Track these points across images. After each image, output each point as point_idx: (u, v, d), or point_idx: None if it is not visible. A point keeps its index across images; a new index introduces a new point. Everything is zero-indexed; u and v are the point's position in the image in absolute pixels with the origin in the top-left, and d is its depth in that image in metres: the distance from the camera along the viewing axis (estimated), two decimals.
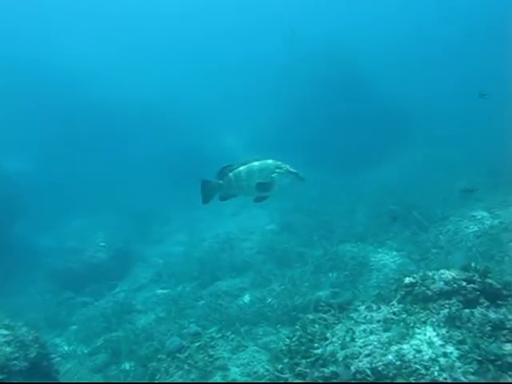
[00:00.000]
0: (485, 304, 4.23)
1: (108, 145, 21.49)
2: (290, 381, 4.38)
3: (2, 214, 13.57)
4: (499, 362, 3.71)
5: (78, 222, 16.81)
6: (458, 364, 3.73)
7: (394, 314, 4.45)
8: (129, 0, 38.16)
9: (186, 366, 6.06)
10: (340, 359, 4.25)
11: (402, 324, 4.25)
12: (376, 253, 9.75)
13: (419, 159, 16.51)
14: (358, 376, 3.88)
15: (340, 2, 33.17)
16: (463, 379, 3.58)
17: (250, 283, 9.72)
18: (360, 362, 4.04)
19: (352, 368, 4.01)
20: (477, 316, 4.08)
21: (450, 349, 3.85)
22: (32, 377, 5.02)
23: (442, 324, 4.12)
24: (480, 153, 14.48)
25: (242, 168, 5.19)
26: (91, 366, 7.80)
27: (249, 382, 5.64)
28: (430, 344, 3.94)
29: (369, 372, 3.86)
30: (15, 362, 4.92)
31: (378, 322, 4.43)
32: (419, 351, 3.89)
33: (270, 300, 8.23)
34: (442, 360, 3.76)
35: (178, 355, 6.32)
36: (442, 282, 4.45)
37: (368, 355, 4.06)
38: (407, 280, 4.69)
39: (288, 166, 5.18)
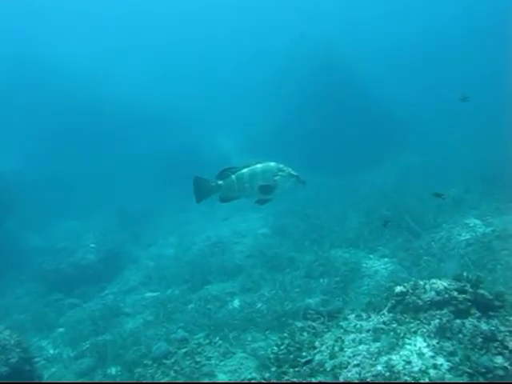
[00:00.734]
0: (476, 315, 4.16)
1: (101, 146, 21.34)
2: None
3: None
4: (490, 375, 3.64)
5: (70, 223, 16.69)
6: (448, 376, 3.65)
7: (384, 323, 4.38)
8: (126, 1, 38.10)
9: (172, 373, 5.95)
10: (328, 369, 4.17)
11: (391, 334, 4.17)
12: (368, 259, 9.67)
13: (414, 164, 16.44)
14: None
15: (337, 5, 33.20)
16: None
17: (240, 288, 9.60)
18: (349, 372, 3.96)
19: (340, 378, 3.94)
20: (468, 327, 4.01)
21: (440, 360, 3.77)
22: None
23: (432, 335, 4.05)
24: (475, 159, 14.44)
25: (244, 170, 5.17)
26: (76, 370, 7.63)
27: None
28: (420, 355, 3.86)
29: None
30: None
31: (368, 331, 4.35)
32: (409, 362, 3.81)
33: (259, 305, 8.13)
34: (432, 372, 3.69)
35: (165, 361, 6.20)
36: (433, 292, 4.38)
37: (357, 365, 3.98)
38: (398, 289, 4.62)
39: (290, 169, 5.19)
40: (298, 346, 4.74)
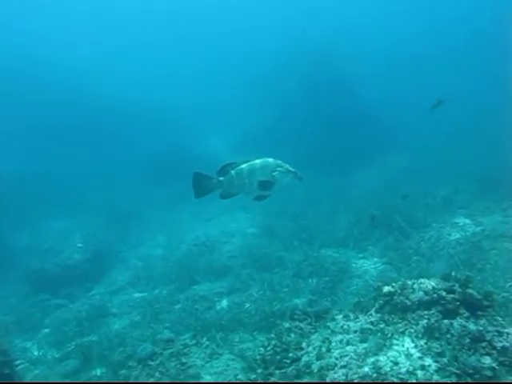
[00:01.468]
0: (465, 315, 4.10)
1: (92, 146, 21.18)
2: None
3: None
4: (477, 376, 3.58)
5: (59, 223, 16.46)
6: (436, 377, 3.59)
7: (371, 323, 4.31)
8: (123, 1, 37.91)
9: (157, 374, 5.83)
10: (315, 370, 4.09)
11: (379, 334, 4.10)
12: (357, 258, 9.62)
13: (406, 165, 16.42)
14: None
15: (330, 6, 33.12)
16: None
17: (228, 288, 9.50)
18: (335, 373, 3.88)
19: (327, 380, 3.86)
20: (456, 327, 3.94)
21: (428, 361, 3.71)
22: None
23: (420, 335, 3.98)
24: (468, 159, 14.47)
25: (243, 166, 5.16)
26: (61, 371, 7.47)
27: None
28: (408, 356, 3.80)
29: None
30: None
31: (355, 332, 4.28)
32: (396, 363, 3.74)
33: (247, 305, 8.04)
34: (419, 373, 3.62)
35: (150, 362, 6.08)
36: (421, 292, 4.31)
37: (344, 367, 3.91)
38: (386, 289, 4.55)
39: (288, 165, 5.19)
40: (284, 347, 4.66)
